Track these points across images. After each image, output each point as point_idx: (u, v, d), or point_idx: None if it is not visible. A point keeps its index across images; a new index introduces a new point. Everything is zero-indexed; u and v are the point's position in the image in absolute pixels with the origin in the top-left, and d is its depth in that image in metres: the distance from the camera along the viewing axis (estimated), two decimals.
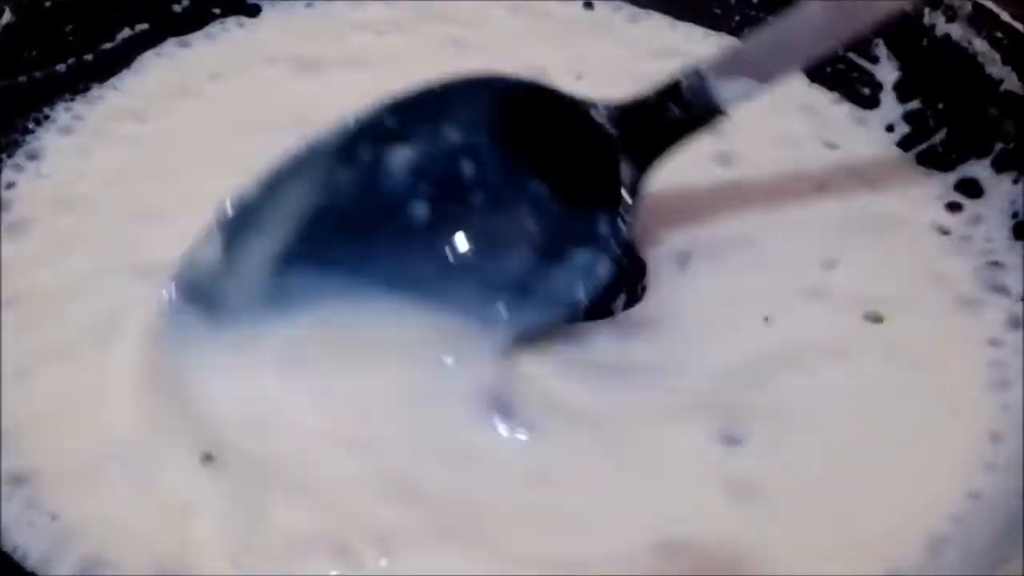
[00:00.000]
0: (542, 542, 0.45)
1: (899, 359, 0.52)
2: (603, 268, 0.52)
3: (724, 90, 0.51)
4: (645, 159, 0.53)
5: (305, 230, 0.51)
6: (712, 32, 0.69)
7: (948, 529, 0.46)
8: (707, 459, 0.48)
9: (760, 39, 0.52)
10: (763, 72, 0.51)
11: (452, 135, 0.53)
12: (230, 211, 0.51)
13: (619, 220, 0.52)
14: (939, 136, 0.61)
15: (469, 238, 0.53)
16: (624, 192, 0.52)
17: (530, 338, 0.51)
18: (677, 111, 0.52)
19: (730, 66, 0.51)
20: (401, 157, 0.52)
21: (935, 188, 0.60)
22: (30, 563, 0.44)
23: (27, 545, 0.45)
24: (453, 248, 0.52)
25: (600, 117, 0.53)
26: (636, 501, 0.47)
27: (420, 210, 0.52)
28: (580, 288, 0.52)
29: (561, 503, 0.46)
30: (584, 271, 0.52)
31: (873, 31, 0.57)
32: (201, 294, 0.50)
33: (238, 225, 0.51)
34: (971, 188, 0.59)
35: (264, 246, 0.51)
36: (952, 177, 0.60)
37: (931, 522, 0.47)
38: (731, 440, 0.49)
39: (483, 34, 0.67)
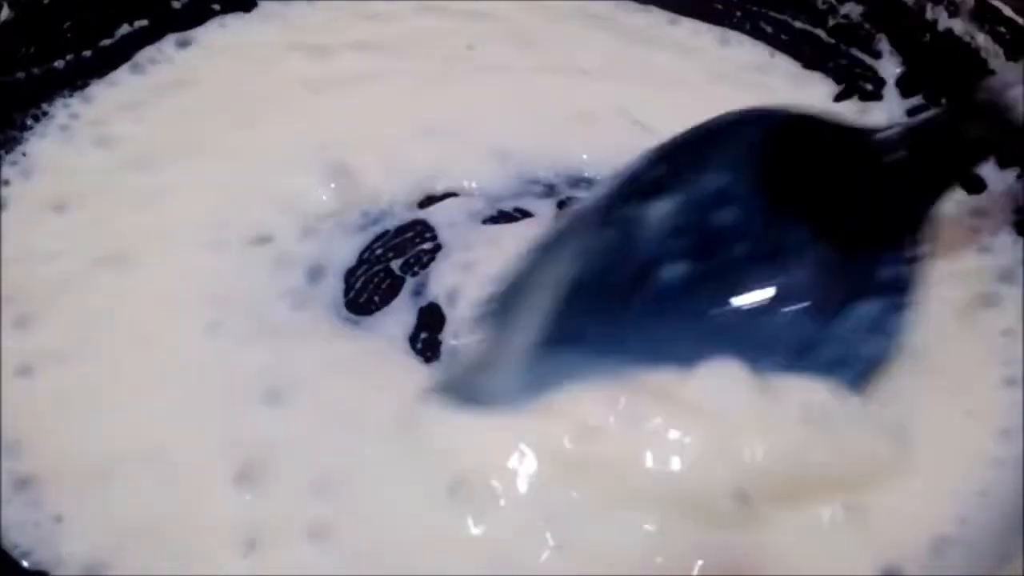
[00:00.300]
0: None
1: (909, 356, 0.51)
2: (895, 320, 0.47)
3: None
4: (937, 187, 0.47)
5: (563, 310, 0.47)
6: (714, 27, 0.68)
7: (953, 528, 0.46)
8: None
9: None
10: None
11: (713, 181, 0.47)
12: (494, 304, 0.48)
13: (908, 263, 0.46)
14: None
15: (734, 296, 0.47)
16: (912, 229, 0.46)
17: None
18: (977, 129, 0.45)
19: None
20: (660, 210, 0.47)
21: None
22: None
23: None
24: (719, 309, 0.47)
25: (885, 144, 0.47)
26: None
27: (677, 270, 0.47)
28: (873, 345, 0.46)
29: None
30: (874, 325, 0.47)
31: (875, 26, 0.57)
32: (463, 385, 0.47)
33: (500, 316, 0.48)
34: (974, 184, 0.59)
35: (525, 334, 0.47)
36: None
37: (937, 520, 0.47)
38: None
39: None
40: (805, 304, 0.47)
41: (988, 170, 0.58)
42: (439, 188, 0.59)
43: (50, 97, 0.62)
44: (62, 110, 0.61)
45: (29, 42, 0.61)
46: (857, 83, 0.65)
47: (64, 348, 0.51)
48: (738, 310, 0.47)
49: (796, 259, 0.47)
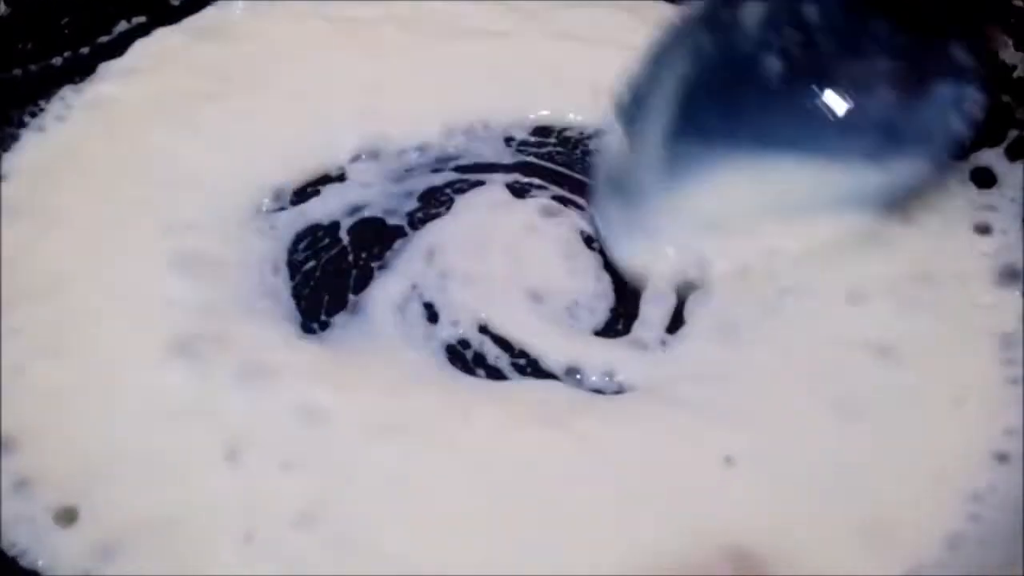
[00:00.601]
0: None
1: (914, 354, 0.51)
2: (973, 98, 0.52)
3: None
4: None
5: (685, 106, 0.53)
6: None
7: (966, 525, 0.46)
8: None
9: None
10: None
11: None
12: (624, 101, 0.53)
13: (978, 49, 0.52)
14: None
15: (829, 85, 0.53)
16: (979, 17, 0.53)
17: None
18: None
19: None
20: (755, 11, 0.53)
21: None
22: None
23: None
24: (816, 97, 0.53)
25: None
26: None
27: (776, 64, 0.53)
28: (955, 120, 0.52)
29: None
30: (953, 103, 0.52)
31: None
32: (617, 187, 0.54)
33: (632, 114, 0.53)
34: (984, 177, 0.58)
35: (656, 130, 0.53)
36: (965, 166, 0.59)
37: (950, 518, 0.46)
38: None
39: None
40: (890, 87, 0.52)
41: (999, 160, 0.58)
42: None
43: (48, 93, 0.61)
44: (59, 103, 0.61)
45: (26, 38, 0.61)
46: None
47: (58, 344, 0.51)
48: (833, 96, 0.53)
49: (877, 46, 0.53)
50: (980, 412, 0.49)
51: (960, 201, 0.57)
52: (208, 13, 0.65)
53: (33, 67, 0.61)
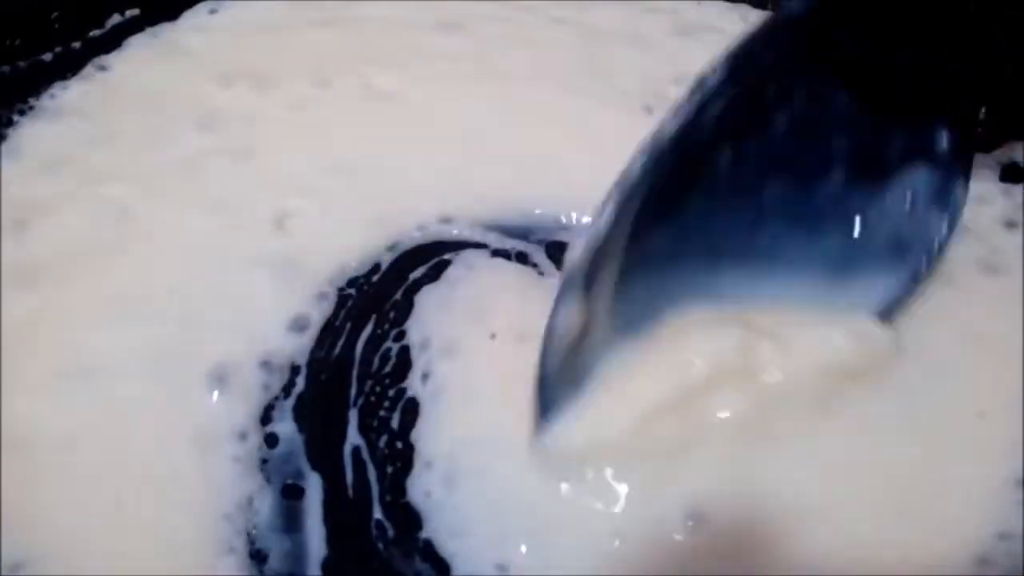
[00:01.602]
0: None
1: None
2: (948, 193, 0.45)
3: None
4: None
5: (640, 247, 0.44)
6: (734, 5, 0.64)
7: (995, 544, 0.44)
8: None
9: None
10: None
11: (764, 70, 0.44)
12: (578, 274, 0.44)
13: (957, 134, 0.45)
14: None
15: (786, 173, 0.46)
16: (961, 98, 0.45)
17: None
18: None
19: None
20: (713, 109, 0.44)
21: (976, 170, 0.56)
22: None
23: None
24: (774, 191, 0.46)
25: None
26: None
27: (728, 155, 0.45)
28: (929, 225, 0.46)
29: None
30: (932, 197, 0.45)
31: None
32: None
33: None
34: (1014, 173, 0.55)
35: (609, 283, 0.45)
36: (992, 160, 0.56)
37: (979, 538, 0.44)
38: None
39: None
40: (854, 171, 0.45)
41: None
42: None
43: (37, 90, 0.59)
44: (49, 101, 0.59)
45: (15, 34, 0.59)
46: None
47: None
48: (792, 187, 0.46)
49: (840, 126, 0.45)
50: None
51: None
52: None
53: (22, 63, 0.59)
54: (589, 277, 0.43)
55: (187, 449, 0.47)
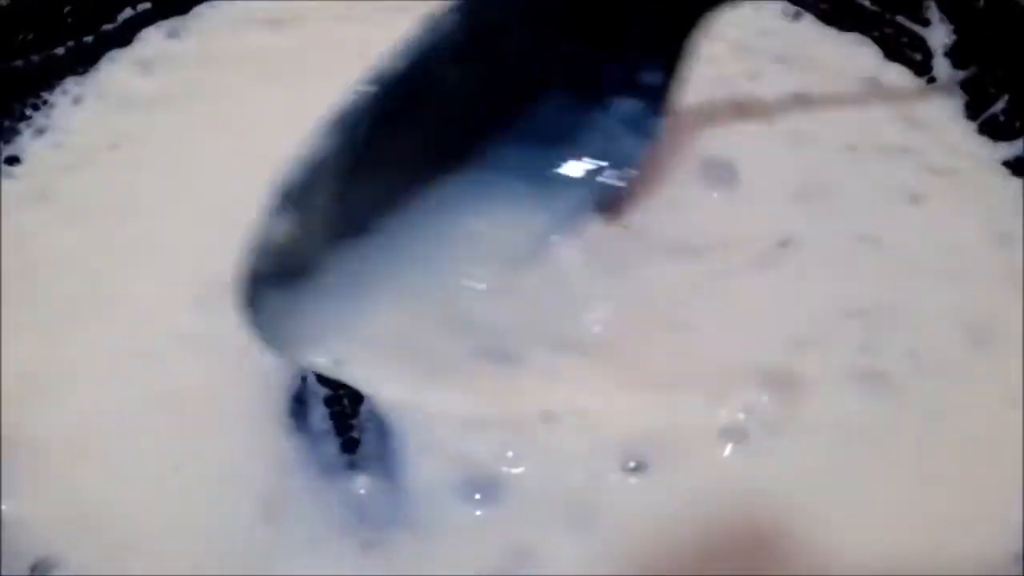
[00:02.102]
0: None
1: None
2: (651, 121, 0.50)
3: None
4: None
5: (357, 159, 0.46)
6: None
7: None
8: None
9: None
10: None
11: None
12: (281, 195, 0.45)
13: (668, 71, 0.49)
14: (1000, 104, 0.57)
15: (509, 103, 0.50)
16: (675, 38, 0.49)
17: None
18: None
19: None
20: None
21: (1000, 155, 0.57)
22: None
23: None
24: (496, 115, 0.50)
25: None
26: None
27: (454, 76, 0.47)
28: (629, 142, 0.51)
29: None
30: (632, 122, 0.51)
31: None
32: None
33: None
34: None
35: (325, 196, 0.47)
36: (1011, 148, 0.56)
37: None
38: None
39: None
40: (571, 94, 0.50)
41: None
42: None
43: (51, 84, 0.59)
44: (62, 97, 0.59)
45: (28, 29, 0.58)
46: (905, 53, 0.61)
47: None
48: (512, 109, 0.50)
49: (559, 56, 0.50)
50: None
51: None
52: None
53: (35, 58, 0.59)
54: (304, 191, 0.45)
55: None
